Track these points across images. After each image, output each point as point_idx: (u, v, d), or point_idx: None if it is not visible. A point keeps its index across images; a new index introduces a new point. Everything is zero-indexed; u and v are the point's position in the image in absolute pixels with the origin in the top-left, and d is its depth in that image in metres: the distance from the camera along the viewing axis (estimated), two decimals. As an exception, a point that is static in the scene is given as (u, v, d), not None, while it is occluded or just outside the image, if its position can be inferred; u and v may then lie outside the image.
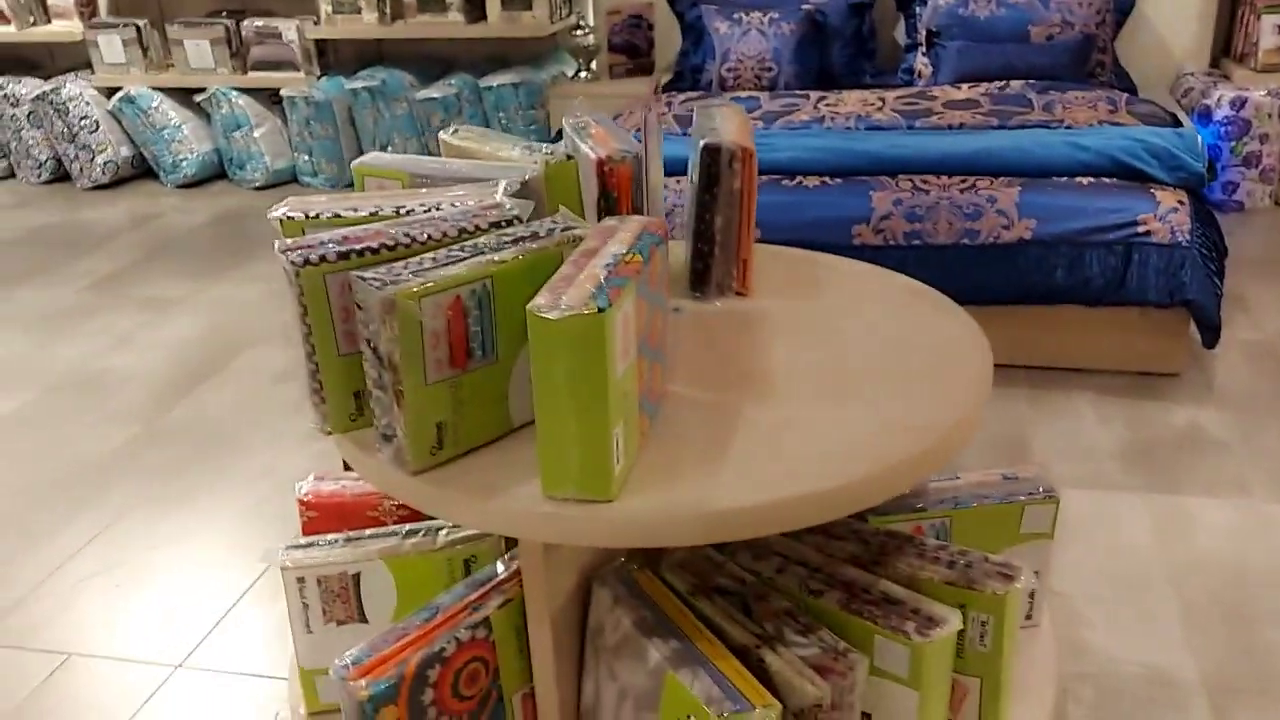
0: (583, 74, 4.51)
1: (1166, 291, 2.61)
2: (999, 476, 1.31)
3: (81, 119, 4.85)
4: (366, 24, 4.63)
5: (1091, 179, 2.76)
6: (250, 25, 4.73)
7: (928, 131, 3.10)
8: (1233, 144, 3.75)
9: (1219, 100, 3.70)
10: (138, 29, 4.84)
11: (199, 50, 4.78)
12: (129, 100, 4.83)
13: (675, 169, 2.82)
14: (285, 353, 3.28)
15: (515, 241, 1.09)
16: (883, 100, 3.47)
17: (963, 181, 2.79)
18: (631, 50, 4.42)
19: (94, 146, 4.90)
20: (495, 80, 4.50)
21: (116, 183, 5.02)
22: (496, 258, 1.05)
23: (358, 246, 1.08)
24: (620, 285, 0.96)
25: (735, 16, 3.94)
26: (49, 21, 5.07)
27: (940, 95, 3.48)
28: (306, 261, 1.05)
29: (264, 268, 3.98)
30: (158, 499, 2.49)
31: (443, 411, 1.05)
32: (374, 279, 1.00)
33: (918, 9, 3.93)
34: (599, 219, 1.35)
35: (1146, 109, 3.22)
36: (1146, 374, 2.81)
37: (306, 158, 4.85)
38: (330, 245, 1.07)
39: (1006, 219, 2.71)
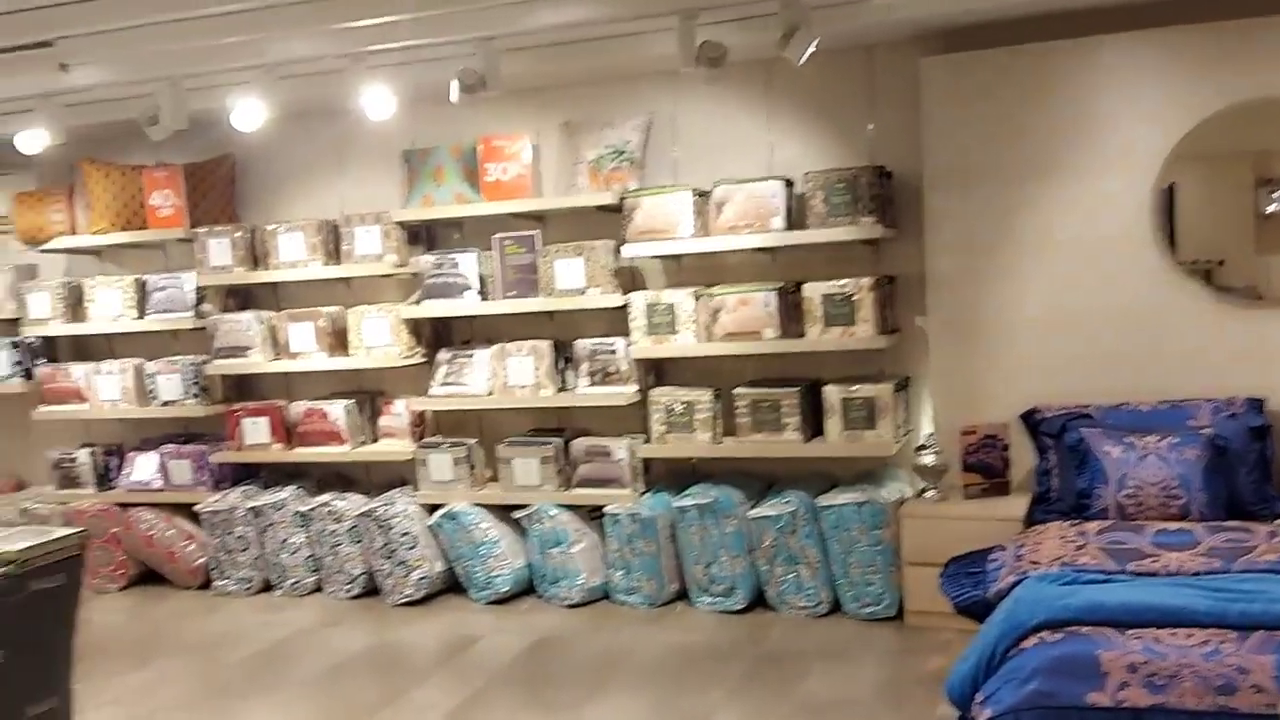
0: (929, 493, 4.30)
1: None
2: None
3: (402, 535, 4.86)
4: (699, 442, 4.61)
5: None
6: (581, 444, 4.78)
7: None
8: None
9: None
10: (467, 448, 4.95)
11: (526, 468, 4.82)
12: (451, 517, 4.84)
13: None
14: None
15: None
16: (1351, 537, 3.09)
17: None
18: (986, 470, 4.22)
19: (410, 563, 4.86)
20: (836, 499, 4.32)
21: (425, 598, 4.91)
22: None
23: None
24: None
25: (1127, 441, 3.72)
26: (376, 441, 5.27)
27: None
28: None
29: (612, 709, 3.66)
30: None
31: None
32: None
33: (1335, 432, 3.64)
34: None
35: None
36: None
37: (623, 575, 4.68)
38: None
39: None
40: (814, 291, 4.37)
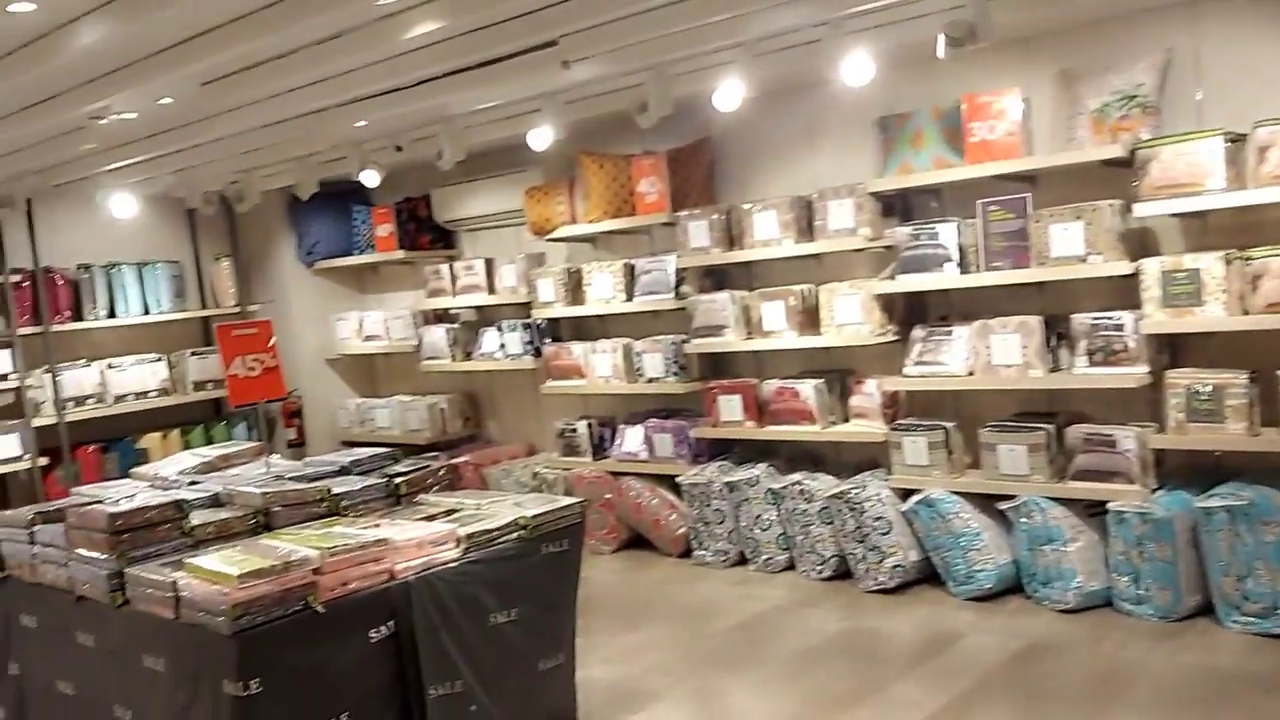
0: None
1: None
2: None
3: (875, 519, 4.68)
4: (1230, 433, 3.90)
5: None
6: (1077, 431, 4.28)
7: None
8: None
9: None
10: (945, 431, 4.65)
11: (1012, 455, 4.42)
12: (927, 504, 4.57)
13: None
14: None
15: None
16: None
17: None
18: None
19: (884, 548, 4.67)
20: None
21: (899, 587, 4.69)
22: None
23: None
24: None
25: None
26: (846, 421, 5.14)
27: None
28: None
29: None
30: None
31: None
32: None
33: None
34: None
35: None
36: None
37: (1129, 581, 4.11)
38: None
39: None
40: (1399, 249, 3.50)
